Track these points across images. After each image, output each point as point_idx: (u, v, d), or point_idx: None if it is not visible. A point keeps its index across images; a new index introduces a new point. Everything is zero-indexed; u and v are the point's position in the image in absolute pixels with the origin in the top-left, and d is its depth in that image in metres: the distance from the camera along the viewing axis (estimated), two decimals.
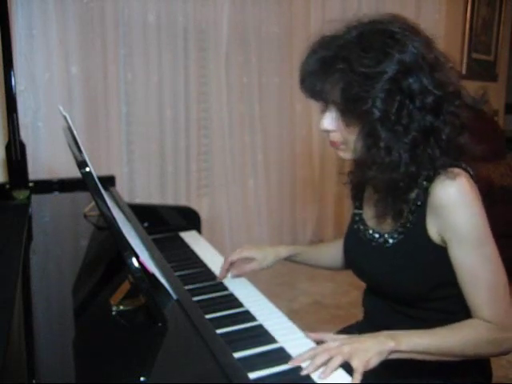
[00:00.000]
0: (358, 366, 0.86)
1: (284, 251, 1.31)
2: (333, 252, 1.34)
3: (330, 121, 0.99)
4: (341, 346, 0.89)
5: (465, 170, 0.98)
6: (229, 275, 1.28)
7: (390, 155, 0.92)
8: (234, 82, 2.98)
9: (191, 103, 2.83)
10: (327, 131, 1.00)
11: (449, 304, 1.01)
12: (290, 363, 0.88)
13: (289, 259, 1.32)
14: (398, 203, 0.99)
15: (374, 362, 0.88)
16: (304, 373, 0.85)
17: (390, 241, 1.05)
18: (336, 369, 0.86)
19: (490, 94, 4.47)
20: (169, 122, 2.77)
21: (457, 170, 0.95)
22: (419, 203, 0.98)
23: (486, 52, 4.52)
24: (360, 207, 1.17)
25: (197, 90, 2.85)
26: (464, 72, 4.20)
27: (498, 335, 0.95)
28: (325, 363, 0.87)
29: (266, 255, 1.28)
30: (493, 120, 4.24)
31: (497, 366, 2.08)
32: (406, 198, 0.99)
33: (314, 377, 0.84)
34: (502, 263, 0.97)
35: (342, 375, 0.85)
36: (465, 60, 4.23)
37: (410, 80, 0.90)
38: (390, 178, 0.95)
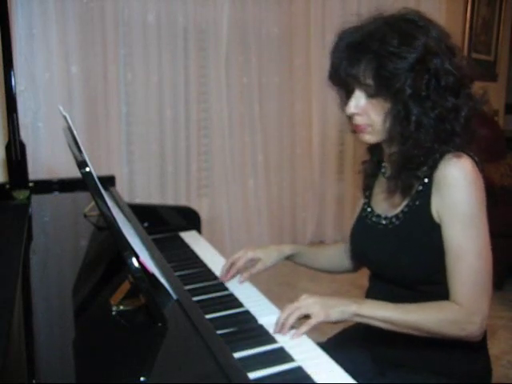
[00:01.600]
0: (319, 313, 0.96)
1: (287, 249, 1.31)
2: (333, 254, 1.34)
3: (356, 104, 1.03)
4: (307, 299, 0.97)
5: (472, 157, 1.00)
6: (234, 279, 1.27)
7: (418, 130, 0.98)
8: (234, 82, 2.98)
9: (191, 103, 2.83)
10: (353, 114, 1.04)
11: None
12: (275, 332, 0.98)
13: (291, 259, 1.32)
14: (409, 178, 1.03)
15: (334, 316, 0.97)
16: (280, 333, 0.97)
17: (395, 222, 1.07)
18: (297, 318, 0.97)
19: (490, 93, 4.46)
20: (169, 122, 2.77)
21: (463, 154, 0.99)
22: (426, 180, 1.02)
23: (486, 52, 4.52)
24: (370, 197, 1.20)
25: (197, 90, 2.85)
26: None
27: (463, 318, 0.97)
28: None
29: (269, 254, 1.28)
30: (493, 120, 4.24)
31: (497, 365, 2.08)
32: (418, 174, 1.03)
33: (314, 377, 0.84)
34: (492, 254, 0.98)
35: (342, 375, 0.85)
36: None
37: (435, 61, 0.97)
38: (412, 154, 1.00)
